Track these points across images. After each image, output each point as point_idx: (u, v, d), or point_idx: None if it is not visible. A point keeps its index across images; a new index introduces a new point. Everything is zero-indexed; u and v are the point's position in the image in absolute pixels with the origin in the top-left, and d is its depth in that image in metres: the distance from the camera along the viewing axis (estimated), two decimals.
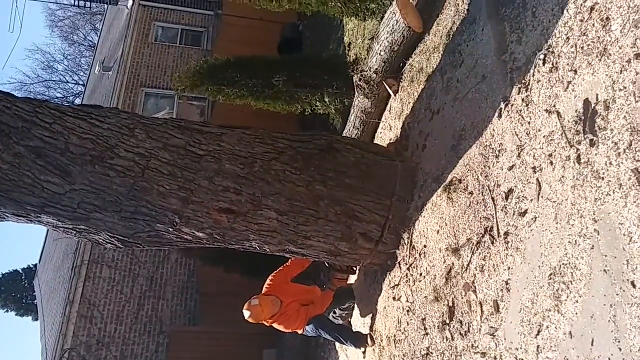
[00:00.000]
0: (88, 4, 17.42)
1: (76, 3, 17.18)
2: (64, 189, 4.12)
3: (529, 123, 3.62)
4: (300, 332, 5.92)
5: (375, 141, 6.23)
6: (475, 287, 3.91)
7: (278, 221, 4.62)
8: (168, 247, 4.92)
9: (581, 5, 3.31)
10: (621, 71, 2.91)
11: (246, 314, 5.52)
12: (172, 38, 15.83)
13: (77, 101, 38.73)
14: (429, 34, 5.36)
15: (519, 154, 3.66)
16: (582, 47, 3.24)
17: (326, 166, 4.78)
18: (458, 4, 4.92)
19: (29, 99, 4.25)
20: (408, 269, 4.86)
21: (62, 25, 42.21)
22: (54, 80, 41.73)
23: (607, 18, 3.08)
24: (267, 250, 4.92)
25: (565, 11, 3.45)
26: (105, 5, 20.04)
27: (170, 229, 4.48)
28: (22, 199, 4.05)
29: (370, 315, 5.73)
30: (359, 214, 4.79)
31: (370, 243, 4.93)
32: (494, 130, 3.98)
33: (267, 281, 5.98)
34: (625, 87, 2.87)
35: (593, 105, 3.07)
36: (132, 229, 4.41)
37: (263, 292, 5.86)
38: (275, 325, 5.81)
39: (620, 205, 2.78)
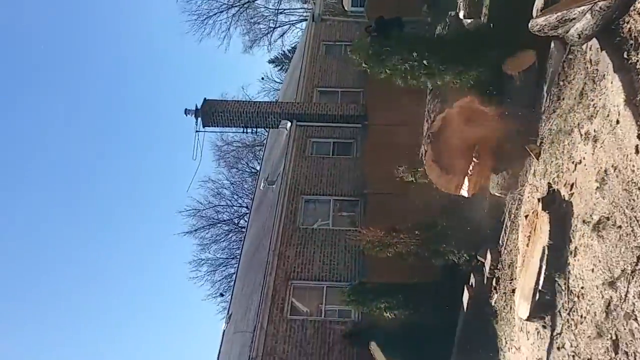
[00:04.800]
0: (254, 130, 20.08)
1: (245, 130, 19.89)
2: None
3: None
4: None
5: (523, 204, 6.59)
6: (636, 315, 4.05)
7: None
8: None
9: None
10: None
11: None
12: (326, 150, 17.54)
13: (242, 222, 42.58)
14: (563, 99, 5.86)
15: None
16: None
17: None
18: (587, 67, 5.42)
19: None
20: (569, 314, 5.02)
21: (227, 158, 47.78)
22: (222, 205, 46.57)
23: None
24: None
25: None
26: (268, 130, 22.85)
27: None
28: None
29: None
30: None
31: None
32: (633, 166, 4.30)
33: None
34: None
35: None
36: None
37: None
38: None
39: None
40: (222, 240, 43.78)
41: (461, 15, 10.96)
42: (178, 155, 64.90)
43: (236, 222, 44.56)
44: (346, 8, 35.62)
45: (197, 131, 16.38)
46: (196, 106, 15.86)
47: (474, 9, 10.58)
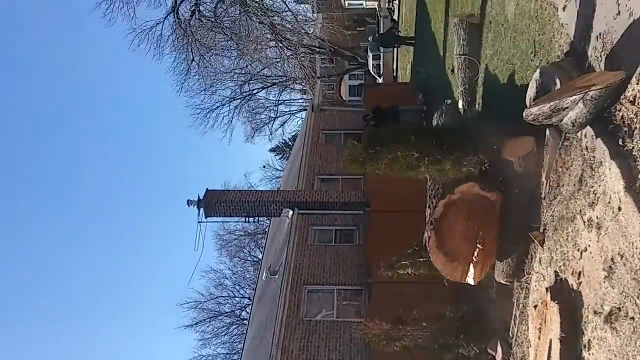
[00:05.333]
0: (257, 218, 20.09)
1: (247, 220, 19.87)
2: None
3: None
4: None
5: (531, 294, 6.41)
6: None
7: None
8: None
9: None
10: None
11: None
12: (328, 238, 17.41)
13: (244, 314, 41.61)
14: (563, 185, 5.84)
15: None
16: None
17: None
18: (584, 154, 5.45)
19: None
20: None
21: (229, 247, 47.52)
22: (223, 297, 45.71)
23: None
24: None
25: None
26: (270, 218, 22.84)
27: None
28: None
29: None
30: None
31: None
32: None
33: None
34: None
35: None
36: None
37: None
38: None
39: None
40: (224, 334, 42.64)
41: (460, 104, 11.26)
42: (180, 246, 64.74)
43: (238, 314, 43.61)
44: (344, 97, 36.78)
45: (199, 222, 16.34)
46: (198, 197, 15.92)
47: (470, 98, 10.89)
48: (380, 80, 31.00)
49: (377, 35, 28.28)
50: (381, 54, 28.95)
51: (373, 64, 30.22)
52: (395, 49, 27.42)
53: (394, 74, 30.06)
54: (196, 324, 41.95)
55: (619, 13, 4.88)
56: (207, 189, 16.37)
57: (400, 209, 14.96)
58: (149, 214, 77.92)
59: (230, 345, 42.60)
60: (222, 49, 24.54)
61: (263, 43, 24.19)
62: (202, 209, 16.05)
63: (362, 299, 15.05)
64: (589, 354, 4.76)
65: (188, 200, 16.05)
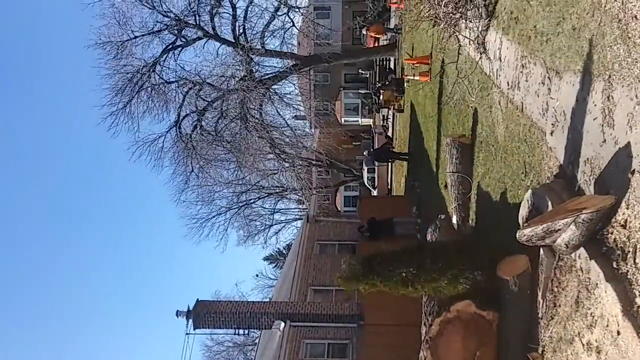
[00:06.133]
0: (247, 331, 19.49)
1: (237, 332, 19.28)
2: None
3: None
4: None
5: None
6: None
7: None
8: None
9: None
10: None
11: None
12: (320, 352, 16.83)
13: None
14: (560, 305, 5.81)
15: None
16: None
17: None
18: (579, 275, 5.48)
19: None
20: None
21: (218, 358, 45.65)
22: None
23: None
24: None
25: None
26: (260, 331, 22.18)
27: None
28: None
29: None
30: None
31: None
32: None
33: None
34: None
35: None
36: None
37: None
38: None
39: None
40: None
41: (454, 220, 11.43)
42: (168, 358, 62.11)
43: None
44: (339, 208, 37.19)
45: (187, 334, 15.88)
46: (188, 307, 15.57)
47: (464, 214, 11.08)
48: (374, 193, 31.60)
49: (371, 150, 29.28)
50: (376, 168, 29.74)
51: (368, 177, 30.96)
52: (389, 163, 28.26)
53: (389, 187, 30.72)
54: None
55: (604, 141, 5.14)
56: (197, 299, 16.06)
57: (396, 322, 14.66)
58: (132, 326, 75.69)
59: None
60: (221, 160, 25.23)
61: (261, 156, 24.93)
62: (191, 320, 15.64)
63: None
64: None
65: (177, 311, 15.69)
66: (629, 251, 4.59)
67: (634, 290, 4.40)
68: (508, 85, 8.47)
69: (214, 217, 30.96)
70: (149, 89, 22.84)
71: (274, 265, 51.36)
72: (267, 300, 30.89)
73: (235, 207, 31.68)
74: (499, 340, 7.46)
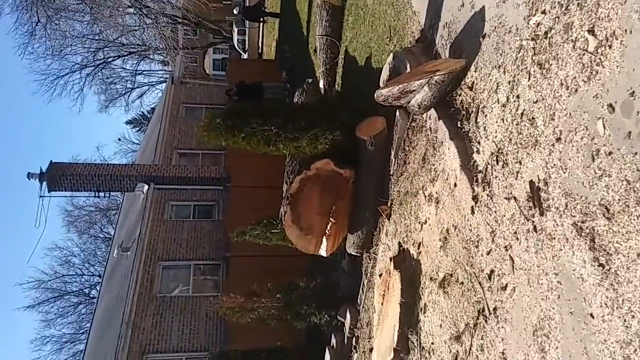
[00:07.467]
0: (108, 194, 18.98)
1: (97, 195, 18.73)
2: None
3: (495, 212, 4.31)
4: None
5: (377, 263, 6.84)
6: None
7: None
8: None
9: (515, 112, 4.20)
10: (550, 153, 3.68)
11: None
12: (186, 214, 17.03)
13: (94, 292, 39.48)
14: (409, 163, 6.27)
15: (493, 239, 4.30)
16: (521, 143, 4.06)
17: None
18: (428, 135, 5.88)
19: None
20: None
21: (79, 223, 44.51)
22: (70, 275, 42.87)
23: (533, 118, 3.93)
24: None
25: (505, 121, 4.33)
26: (123, 193, 21.73)
27: None
28: None
29: None
30: None
31: None
32: (470, 225, 4.65)
33: None
34: (555, 165, 3.62)
35: (537, 184, 3.80)
36: None
37: None
38: None
39: (570, 254, 3.37)
40: (70, 313, 40.16)
41: (321, 84, 11.53)
42: (21, 222, 59.36)
43: (87, 292, 41.24)
44: (208, 72, 35.84)
45: (41, 196, 15.09)
46: (40, 169, 14.66)
47: (331, 79, 11.20)
48: (245, 56, 30.70)
49: (242, 7, 27.92)
50: (247, 30, 28.65)
51: (238, 39, 29.84)
52: (260, 23, 27.29)
53: (259, 51, 29.95)
54: (38, 304, 39.04)
55: (462, 5, 5.30)
56: (51, 161, 15.13)
57: (261, 185, 15.06)
58: None
59: (78, 324, 40.25)
60: (73, 11, 22.68)
61: (120, 9, 22.74)
62: (44, 183, 14.82)
63: (220, 274, 15.02)
64: (425, 315, 5.21)
65: (29, 173, 14.73)
66: (472, 111, 4.96)
67: (472, 147, 4.82)
68: None
69: (67, 74, 28.48)
70: None
71: (137, 129, 49.36)
72: (131, 163, 30.04)
73: (92, 65, 29.28)
74: (355, 196, 7.98)
